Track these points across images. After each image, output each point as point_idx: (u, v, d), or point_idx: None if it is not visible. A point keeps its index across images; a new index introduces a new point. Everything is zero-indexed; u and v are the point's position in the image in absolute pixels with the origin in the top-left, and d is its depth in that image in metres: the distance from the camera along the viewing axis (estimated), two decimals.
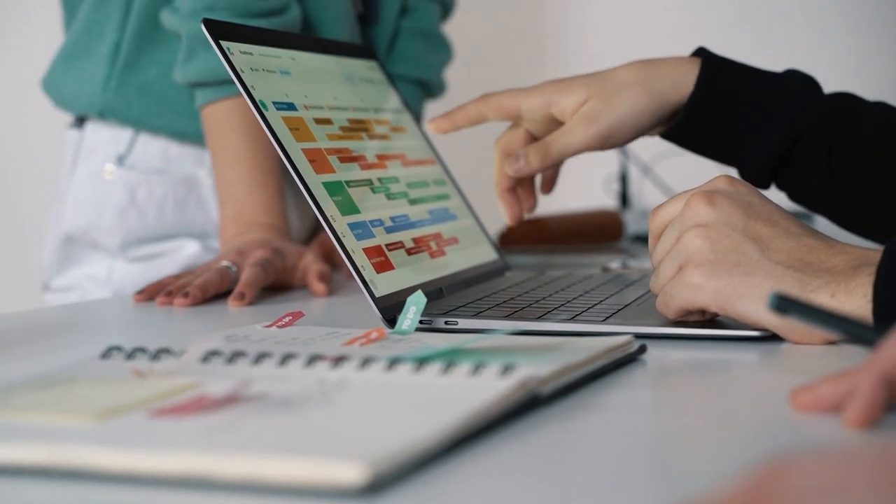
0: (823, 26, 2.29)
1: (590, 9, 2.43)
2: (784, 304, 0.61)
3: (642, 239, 1.61)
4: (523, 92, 1.08)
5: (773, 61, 1.19)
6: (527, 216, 1.15)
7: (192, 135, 1.34)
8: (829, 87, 1.07)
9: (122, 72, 1.35)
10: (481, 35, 2.33)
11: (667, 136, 1.07)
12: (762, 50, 2.20)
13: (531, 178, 1.13)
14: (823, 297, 0.74)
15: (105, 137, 1.38)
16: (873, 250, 0.76)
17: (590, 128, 1.04)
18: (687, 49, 1.08)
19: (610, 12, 2.42)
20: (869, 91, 1.11)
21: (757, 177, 1.05)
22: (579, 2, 2.45)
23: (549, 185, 1.15)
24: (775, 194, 0.99)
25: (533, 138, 1.09)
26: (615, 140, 1.05)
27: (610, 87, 1.04)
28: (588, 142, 1.04)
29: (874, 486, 0.37)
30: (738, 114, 1.04)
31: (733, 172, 1.06)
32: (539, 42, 2.45)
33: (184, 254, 1.36)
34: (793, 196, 1.07)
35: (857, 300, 0.73)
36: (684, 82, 1.03)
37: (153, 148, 1.37)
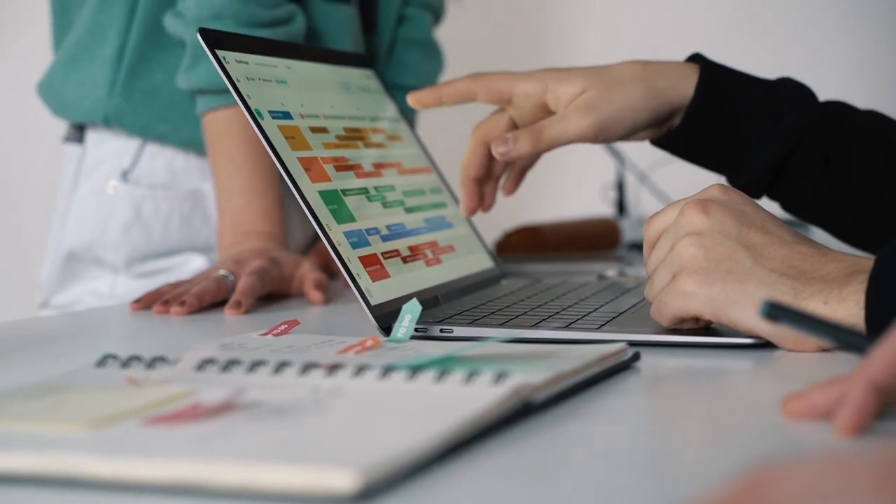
0: (823, 26, 2.29)
1: (591, 10, 2.43)
2: (775, 312, 0.61)
3: (639, 247, 1.62)
4: (518, 76, 1.05)
5: (772, 61, 1.19)
6: (482, 213, 1.11)
7: (198, 143, 1.33)
8: (828, 87, 1.07)
9: (127, 76, 1.34)
10: (479, 38, 2.34)
11: (659, 142, 1.07)
12: (762, 50, 2.21)
13: (496, 177, 1.10)
14: (816, 305, 0.74)
15: (108, 151, 1.37)
16: (866, 258, 0.76)
17: (586, 117, 1.02)
18: (687, 50, 1.08)
19: (611, 14, 2.42)
20: (868, 92, 1.11)
21: (753, 185, 1.04)
22: (580, 4, 2.45)
23: (513, 186, 1.12)
24: (768, 204, 0.99)
25: (515, 127, 1.06)
26: (609, 134, 1.03)
27: (609, 80, 1.02)
28: (584, 131, 1.02)
29: (860, 491, 0.37)
30: (737, 122, 1.03)
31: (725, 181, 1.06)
32: (538, 42, 2.45)
33: (189, 269, 1.35)
34: (786, 206, 1.07)
35: (849, 307, 0.73)
36: (684, 84, 1.03)
37: (159, 162, 1.36)
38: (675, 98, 1.03)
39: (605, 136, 1.03)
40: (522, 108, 1.06)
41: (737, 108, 1.03)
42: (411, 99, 1.08)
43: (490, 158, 1.08)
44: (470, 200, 1.09)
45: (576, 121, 1.02)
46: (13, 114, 2.34)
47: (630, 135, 1.05)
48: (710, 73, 1.03)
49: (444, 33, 1.56)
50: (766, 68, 1.07)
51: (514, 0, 2.51)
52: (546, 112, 1.05)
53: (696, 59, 1.06)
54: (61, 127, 1.44)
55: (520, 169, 1.12)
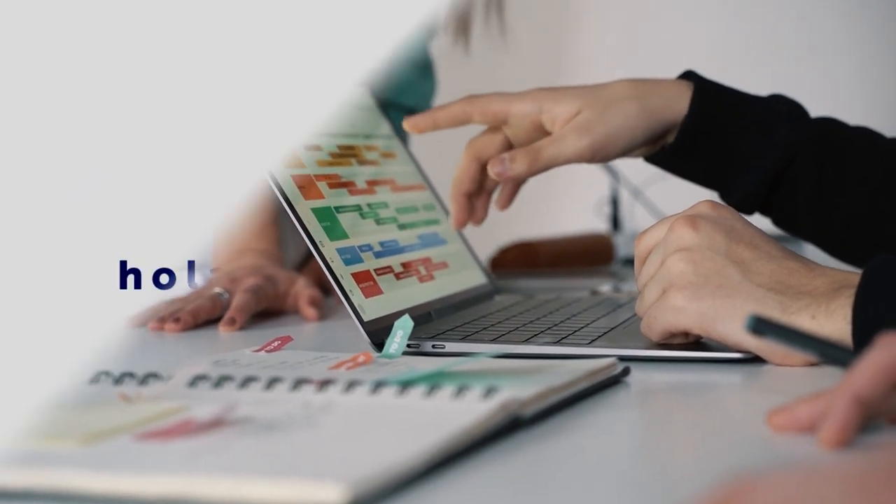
0: (823, 34, 2.30)
1: (587, 27, 2.44)
2: (761, 326, 0.62)
3: (633, 262, 1.62)
4: (512, 96, 1.05)
5: (773, 70, 1.18)
6: (475, 226, 1.11)
7: None
8: (829, 90, 1.07)
9: None
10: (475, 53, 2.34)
11: (653, 159, 1.07)
12: (762, 63, 2.21)
13: (489, 192, 1.10)
14: (804, 320, 0.75)
15: None
16: (853, 273, 0.77)
17: (583, 138, 1.01)
18: (685, 66, 1.08)
19: (609, 31, 2.43)
20: (868, 95, 1.11)
21: (747, 202, 1.05)
22: (577, 21, 2.46)
23: (506, 201, 1.11)
24: (760, 220, 1.00)
25: (510, 145, 1.07)
26: (607, 153, 1.03)
27: (604, 100, 1.02)
28: (580, 152, 1.02)
29: (840, 501, 0.38)
30: (730, 139, 1.04)
31: (717, 197, 1.07)
32: (535, 58, 2.46)
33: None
34: (778, 221, 1.08)
35: (837, 322, 0.74)
36: (678, 102, 1.03)
37: None
38: (669, 116, 1.03)
39: (601, 155, 1.03)
40: (518, 128, 1.06)
41: (730, 126, 1.04)
42: (407, 125, 1.08)
43: (482, 174, 1.08)
44: (460, 214, 1.08)
45: (572, 142, 1.02)
46: None
47: (626, 153, 1.05)
48: (703, 91, 1.04)
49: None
50: (766, 76, 1.07)
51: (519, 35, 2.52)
52: (541, 131, 1.05)
53: (688, 76, 1.06)
54: None
55: (513, 184, 1.12)
